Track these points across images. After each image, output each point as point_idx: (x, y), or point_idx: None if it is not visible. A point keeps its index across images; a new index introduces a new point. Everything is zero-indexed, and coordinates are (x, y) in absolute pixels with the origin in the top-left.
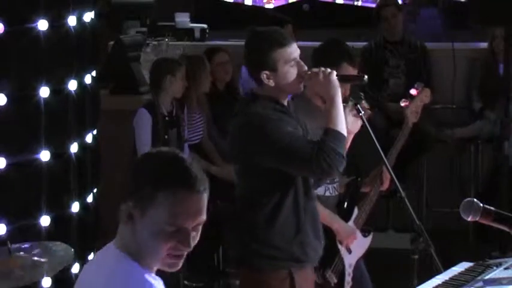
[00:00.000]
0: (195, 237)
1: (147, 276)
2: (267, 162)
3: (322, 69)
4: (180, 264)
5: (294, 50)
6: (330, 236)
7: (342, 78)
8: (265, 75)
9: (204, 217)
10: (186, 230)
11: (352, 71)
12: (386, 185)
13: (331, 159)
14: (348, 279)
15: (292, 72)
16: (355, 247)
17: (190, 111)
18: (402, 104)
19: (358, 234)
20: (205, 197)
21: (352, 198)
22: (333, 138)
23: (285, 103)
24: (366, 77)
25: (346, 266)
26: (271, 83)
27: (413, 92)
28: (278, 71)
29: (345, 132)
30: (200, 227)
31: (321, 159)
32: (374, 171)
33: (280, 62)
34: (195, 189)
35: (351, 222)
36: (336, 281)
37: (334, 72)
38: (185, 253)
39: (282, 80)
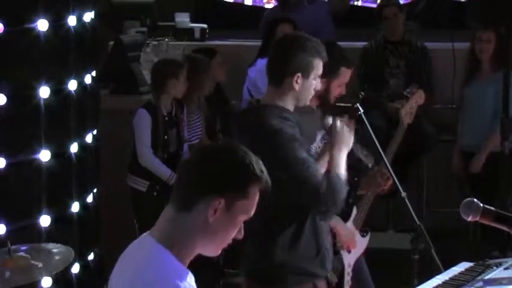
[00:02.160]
0: None
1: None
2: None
3: (339, 123)
4: None
5: (321, 66)
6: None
7: (339, 110)
8: (296, 77)
9: None
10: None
11: (348, 73)
12: (387, 185)
13: (335, 201)
14: (348, 278)
15: (314, 87)
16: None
17: (189, 111)
18: (397, 106)
19: (357, 234)
20: None
21: (351, 198)
22: (338, 181)
23: (292, 110)
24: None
25: (346, 266)
26: (297, 87)
27: (407, 93)
28: (308, 79)
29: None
30: None
31: (328, 196)
32: (371, 172)
33: (313, 72)
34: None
35: (349, 223)
36: (336, 280)
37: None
38: None
39: (306, 89)
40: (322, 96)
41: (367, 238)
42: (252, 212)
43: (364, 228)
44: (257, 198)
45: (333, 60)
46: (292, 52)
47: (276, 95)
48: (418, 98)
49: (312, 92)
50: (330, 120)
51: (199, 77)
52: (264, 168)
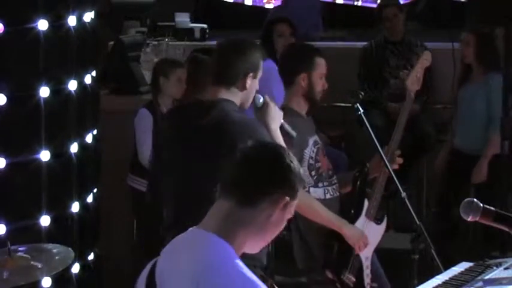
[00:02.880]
0: None
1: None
2: None
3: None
4: None
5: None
6: (342, 238)
7: None
8: (249, 77)
9: None
10: None
11: (324, 63)
12: (399, 161)
13: None
14: (367, 271)
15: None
16: (370, 238)
17: None
18: (402, 77)
19: (372, 223)
20: None
21: (361, 190)
22: None
23: None
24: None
25: (363, 260)
26: (247, 86)
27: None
28: (255, 79)
29: None
30: None
31: None
32: (375, 157)
33: (259, 73)
34: None
35: (362, 217)
36: (354, 280)
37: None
38: None
39: (251, 90)
40: (307, 93)
41: (384, 224)
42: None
43: (378, 215)
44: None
45: (306, 53)
46: (246, 52)
47: (226, 94)
48: (424, 60)
49: (254, 94)
50: (260, 97)
51: (206, 80)
52: None
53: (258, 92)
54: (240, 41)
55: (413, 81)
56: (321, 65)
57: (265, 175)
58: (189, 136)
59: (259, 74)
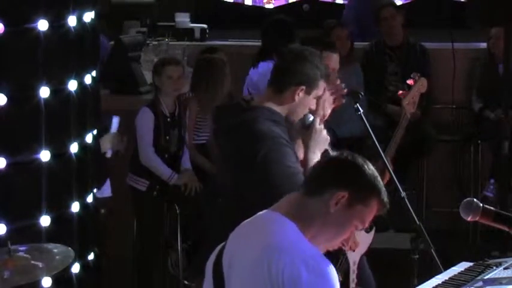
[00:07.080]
0: None
1: None
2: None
3: (318, 122)
4: None
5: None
6: None
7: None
8: (300, 90)
9: None
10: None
11: (336, 58)
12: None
13: None
14: (353, 276)
15: (309, 106)
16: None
17: (203, 112)
18: (399, 94)
19: (361, 231)
20: None
21: None
22: None
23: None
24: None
25: (351, 264)
26: (297, 99)
27: (410, 82)
28: (309, 95)
29: None
30: None
31: None
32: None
33: (315, 91)
34: None
35: None
36: (341, 279)
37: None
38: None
39: (302, 104)
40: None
41: (372, 234)
42: (366, 224)
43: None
44: (375, 212)
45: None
46: (304, 64)
47: (273, 100)
48: (420, 86)
49: (306, 110)
50: (310, 117)
51: (216, 76)
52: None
53: (310, 111)
54: (305, 51)
55: (409, 102)
56: (328, 57)
57: (328, 171)
58: (222, 139)
59: (316, 91)
